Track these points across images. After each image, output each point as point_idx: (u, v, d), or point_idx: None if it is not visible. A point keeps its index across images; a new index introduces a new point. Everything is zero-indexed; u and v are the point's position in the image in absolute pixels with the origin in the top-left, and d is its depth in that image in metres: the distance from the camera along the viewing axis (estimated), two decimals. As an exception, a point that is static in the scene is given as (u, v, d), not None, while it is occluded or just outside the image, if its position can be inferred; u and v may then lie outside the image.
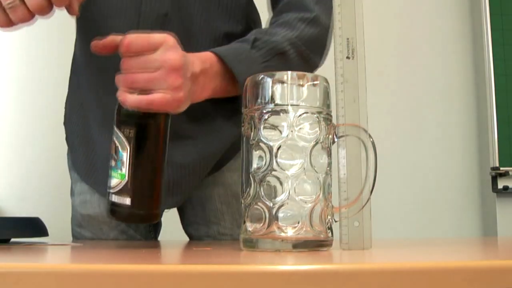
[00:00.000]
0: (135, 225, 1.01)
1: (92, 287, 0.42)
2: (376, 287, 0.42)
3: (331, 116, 0.63)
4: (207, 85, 0.77)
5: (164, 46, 0.67)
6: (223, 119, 0.95)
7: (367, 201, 0.62)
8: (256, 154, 0.60)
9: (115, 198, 0.66)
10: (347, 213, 0.63)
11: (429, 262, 0.46)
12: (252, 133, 0.60)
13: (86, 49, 0.86)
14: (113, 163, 0.66)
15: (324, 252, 0.59)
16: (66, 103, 1.09)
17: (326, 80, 0.63)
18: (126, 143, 0.65)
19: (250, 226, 0.60)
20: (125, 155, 0.65)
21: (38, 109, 2.22)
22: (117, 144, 0.66)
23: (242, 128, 0.63)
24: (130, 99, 0.65)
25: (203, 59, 0.76)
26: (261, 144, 0.59)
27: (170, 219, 1.06)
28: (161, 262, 0.52)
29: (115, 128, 0.67)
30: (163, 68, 0.66)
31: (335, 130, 0.63)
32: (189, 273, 0.42)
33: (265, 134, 0.59)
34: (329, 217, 0.61)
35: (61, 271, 0.43)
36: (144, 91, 0.66)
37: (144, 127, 0.66)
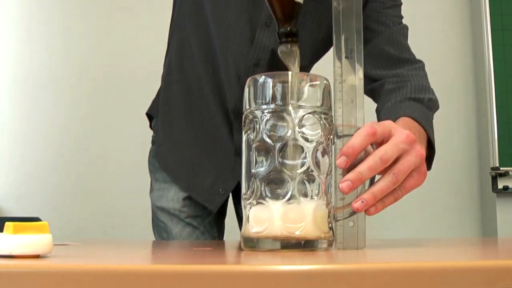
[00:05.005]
0: (200, 219, 1.09)
1: (92, 287, 0.42)
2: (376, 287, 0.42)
3: (332, 116, 0.63)
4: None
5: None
6: None
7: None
8: (258, 154, 0.60)
9: None
10: (343, 213, 0.63)
11: (428, 262, 0.46)
12: (254, 134, 0.60)
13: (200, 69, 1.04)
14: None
15: (324, 252, 0.59)
16: (155, 104, 1.18)
17: (327, 81, 0.63)
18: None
19: (250, 226, 0.60)
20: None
21: (38, 109, 2.22)
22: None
23: (244, 129, 0.63)
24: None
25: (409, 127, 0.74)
26: (263, 144, 0.59)
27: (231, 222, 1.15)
28: (161, 262, 0.52)
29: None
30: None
31: (336, 130, 0.63)
32: (189, 273, 0.42)
33: (267, 134, 0.59)
34: (329, 217, 0.61)
35: (61, 271, 0.43)
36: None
37: None
